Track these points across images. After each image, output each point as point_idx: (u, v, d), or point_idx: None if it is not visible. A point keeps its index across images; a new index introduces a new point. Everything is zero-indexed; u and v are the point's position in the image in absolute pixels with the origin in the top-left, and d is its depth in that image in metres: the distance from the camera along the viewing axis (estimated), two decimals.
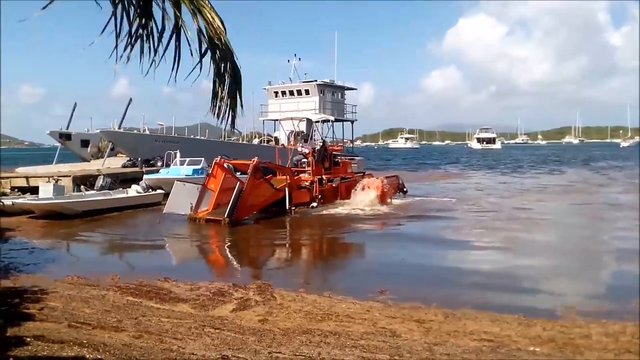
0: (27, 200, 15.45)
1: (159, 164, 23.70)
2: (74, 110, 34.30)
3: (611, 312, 6.21)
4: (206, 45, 3.23)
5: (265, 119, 37.88)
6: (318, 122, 24.21)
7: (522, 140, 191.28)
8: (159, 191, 18.00)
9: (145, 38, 3.10)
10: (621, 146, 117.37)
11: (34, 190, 16.86)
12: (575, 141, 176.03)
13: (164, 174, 20.09)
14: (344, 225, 13.96)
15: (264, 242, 12.42)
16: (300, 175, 16.89)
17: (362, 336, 5.43)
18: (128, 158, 26.41)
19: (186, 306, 6.57)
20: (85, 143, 31.82)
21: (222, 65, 3.33)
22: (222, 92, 3.41)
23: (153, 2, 3.08)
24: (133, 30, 3.05)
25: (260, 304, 6.65)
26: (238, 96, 3.53)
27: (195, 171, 19.52)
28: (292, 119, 21.97)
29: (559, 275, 8.65)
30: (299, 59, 38.60)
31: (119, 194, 17.35)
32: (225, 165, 15.16)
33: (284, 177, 15.66)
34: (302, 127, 23.30)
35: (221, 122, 3.50)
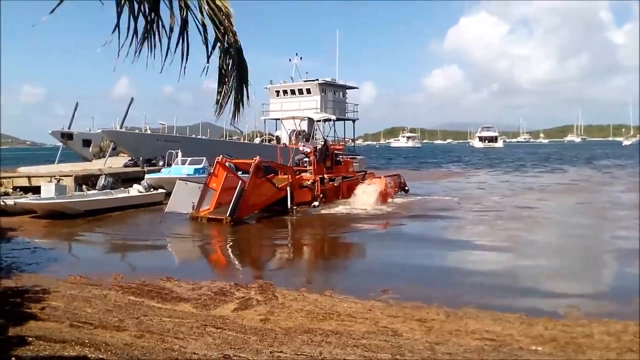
0: (29, 200, 15.50)
1: (161, 163, 23.68)
2: (75, 109, 34.37)
3: (613, 312, 6.20)
4: (214, 35, 3.24)
5: (267, 118, 37.80)
6: (319, 121, 24.15)
7: (524, 138, 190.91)
8: (160, 190, 18.00)
9: (153, 34, 3.11)
10: (623, 144, 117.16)
11: (36, 190, 16.87)
12: (578, 139, 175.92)
13: (165, 173, 20.08)
14: (345, 225, 13.95)
15: (266, 241, 12.42)
16: (302, 174, 16.87)
17: (363, 335, 5.43)
18: (130, 158, 26.41)
19: (188, 306, 6.57)
20: (87, 143, 31.81)
21: (230, 51, 3.33)
22: (229, 81, 3.43)
23: None
24: (142, 26, 3.06)
25: (261, 304, 6.66)
26: (244, 87, 3.54)
27: (196, 170, 19.51)
28: (293, 118, 21.92)
29: (561, 275, 8.63)
30: (301, 58, 38.60)
31: (120, 194, 17.36)
32: (227, 164, 15.16)
33: (286, 176, 15.66)
34: (304, 126, 23.24)
35: (230, 114, 3.53)
